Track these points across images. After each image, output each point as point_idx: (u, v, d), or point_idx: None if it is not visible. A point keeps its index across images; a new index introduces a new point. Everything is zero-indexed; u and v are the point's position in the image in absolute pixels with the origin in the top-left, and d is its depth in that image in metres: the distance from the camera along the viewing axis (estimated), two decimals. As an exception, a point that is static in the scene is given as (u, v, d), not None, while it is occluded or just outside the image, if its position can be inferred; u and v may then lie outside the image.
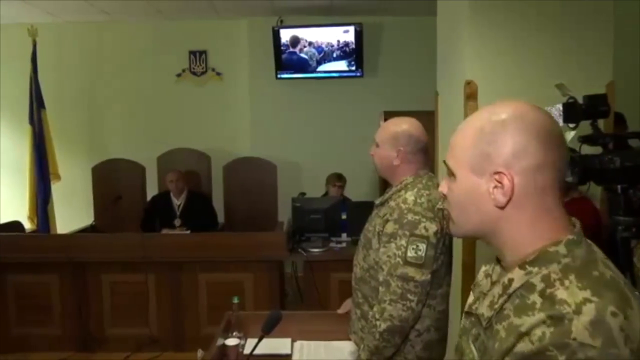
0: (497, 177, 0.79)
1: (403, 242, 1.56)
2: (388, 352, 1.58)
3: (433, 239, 1.57)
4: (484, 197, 0.81)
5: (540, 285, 0.75)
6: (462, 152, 0.83)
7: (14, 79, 5.21)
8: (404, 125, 1.72)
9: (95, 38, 5.48)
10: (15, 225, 4.36)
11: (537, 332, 0.70)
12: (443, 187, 0.90)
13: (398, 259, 1.56)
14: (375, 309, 1.61)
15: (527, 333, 0.71)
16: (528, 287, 0.77)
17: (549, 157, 0.78)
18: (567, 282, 0.73)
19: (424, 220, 1.57)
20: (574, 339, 0.67)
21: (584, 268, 0.75)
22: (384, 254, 1.60)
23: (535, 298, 0.74)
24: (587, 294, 0.71)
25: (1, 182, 5.49)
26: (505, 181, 0.78)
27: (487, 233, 0.84)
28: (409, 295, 1.54)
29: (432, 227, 1.57)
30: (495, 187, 0.79)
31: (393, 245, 1.58)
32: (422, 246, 1.55)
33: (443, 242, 1.62)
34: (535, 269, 0.77)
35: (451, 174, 0.86)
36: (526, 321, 0.73)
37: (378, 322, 1.57)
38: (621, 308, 0.70)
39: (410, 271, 1.54)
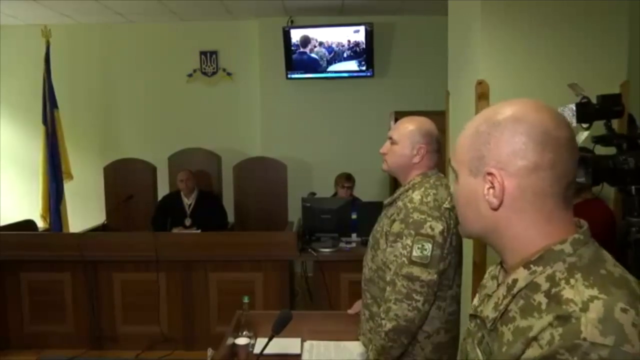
0: (489, 178, 0.78)
1: (408, 241, 1.55)
2: (395, 353, 1.58)
3: (439, 238, 1.56)
4: (480, 199, 0.80)
5: (545, 285, 0.74)
6: (461, 153, 0.83)
7: (27, 80, 5.27)
8: (426, 124, 1.72)
9: (107, 39, 5.54)
10: (28, 224, 4.41)
11: (546, 335, 0.68)
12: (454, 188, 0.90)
13: (404, 258, 1.55)
14: (381, 308, 1.60)
15: (536, 338, 0.69)
16: (533, 287, 0.75)
17: (546, 159, 0.75)
18: (572, 281, 0.71)
19: (430, 219, 1.56)
20: (584, 339, 0.64)
21: (591, 266, 0.73)
22: (390, 254, 1.60)
23: (540, 298, 0.73)
24: (594, 291, 0.68)
25: (15, 181, 5.57)
26: (496, 183, 0.77)
27: (488, 235, 0.83)
28: (414, 295, 1.53)
29: (438, 227, 1.56)
30: (490, 188, 0.78)
31: (399, 244, 1.57)
32: (428, 245, 1.54)
33: (450, 241, 1.60)
34: (540, 268, 0.76)
35: (456, 174, 0.86)
36: (533, 324, 0.71)
37: (384, 322, 1.56)
38: (632, 304, 0.67)
39: (416, 271, 1.54)
